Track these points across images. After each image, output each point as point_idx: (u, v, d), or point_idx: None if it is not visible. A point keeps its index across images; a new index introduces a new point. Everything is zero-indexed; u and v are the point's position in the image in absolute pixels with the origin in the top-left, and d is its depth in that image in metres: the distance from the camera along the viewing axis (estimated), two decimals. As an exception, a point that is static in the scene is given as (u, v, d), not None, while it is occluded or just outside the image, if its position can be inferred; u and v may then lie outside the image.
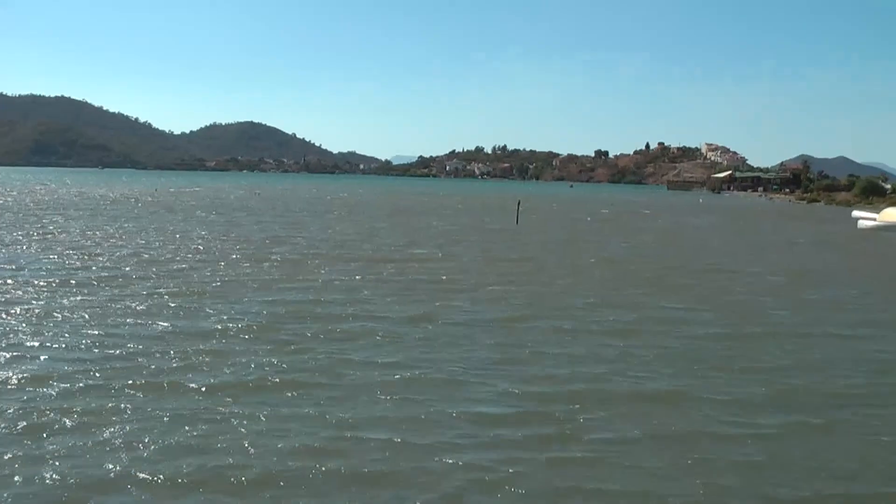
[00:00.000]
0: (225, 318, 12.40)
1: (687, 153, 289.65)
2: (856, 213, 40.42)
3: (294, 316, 12.72)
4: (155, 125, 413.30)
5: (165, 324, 11.84)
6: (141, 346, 10.43)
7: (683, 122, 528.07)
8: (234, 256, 21.06)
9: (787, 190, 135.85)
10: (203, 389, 8.74)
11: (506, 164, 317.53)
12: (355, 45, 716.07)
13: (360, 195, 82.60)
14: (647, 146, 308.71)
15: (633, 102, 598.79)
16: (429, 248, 25.43)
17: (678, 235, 32.69)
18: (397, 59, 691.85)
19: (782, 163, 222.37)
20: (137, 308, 13.09)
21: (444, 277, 17.99)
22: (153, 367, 9.53)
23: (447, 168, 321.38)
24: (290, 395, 8.69)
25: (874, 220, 38.62)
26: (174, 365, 9.67)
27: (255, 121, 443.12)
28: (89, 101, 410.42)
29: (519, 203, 41.87)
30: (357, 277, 17.92)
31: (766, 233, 37.47)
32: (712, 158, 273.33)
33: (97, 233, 27.21)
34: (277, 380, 9.19)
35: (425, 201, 71.05)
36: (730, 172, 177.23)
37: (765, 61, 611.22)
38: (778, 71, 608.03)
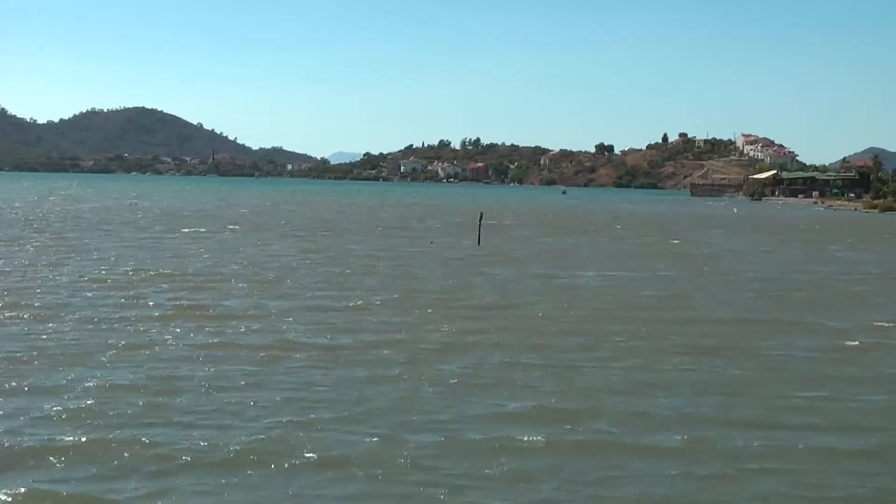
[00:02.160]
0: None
1: (717, 147, 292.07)
2: None
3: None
4: (11, 111, 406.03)
5: None
6: None
7: (712, 106, 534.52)
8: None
9: (852, 195, 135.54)
10: None
11: (479, 164, 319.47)
12: (284, 8, 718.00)
13: (276, 205, 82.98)
14: (665, 138, 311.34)
15: (646, 80, 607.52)
16: (336, 288, 23.46)
17: (725, 276, 29.98)
18: (338, 26, 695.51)
19: (845, 158, 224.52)
20: None
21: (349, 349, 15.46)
22: None
23: (402, 168, 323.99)
24: None
25: None
26: None
27: (148, 107, 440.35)
28: None
29: (481, 216, 41.43)
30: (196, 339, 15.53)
31: (842, 265, 35.07)
32: (751, 154, 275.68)
33: None
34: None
35: (362, 213, 71.01)
36: (774, 172, 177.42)
37: (819, 27, 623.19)
38: (836, 40, 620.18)
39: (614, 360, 14.98)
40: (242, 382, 12.72)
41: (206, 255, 31.17)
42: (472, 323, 18.20)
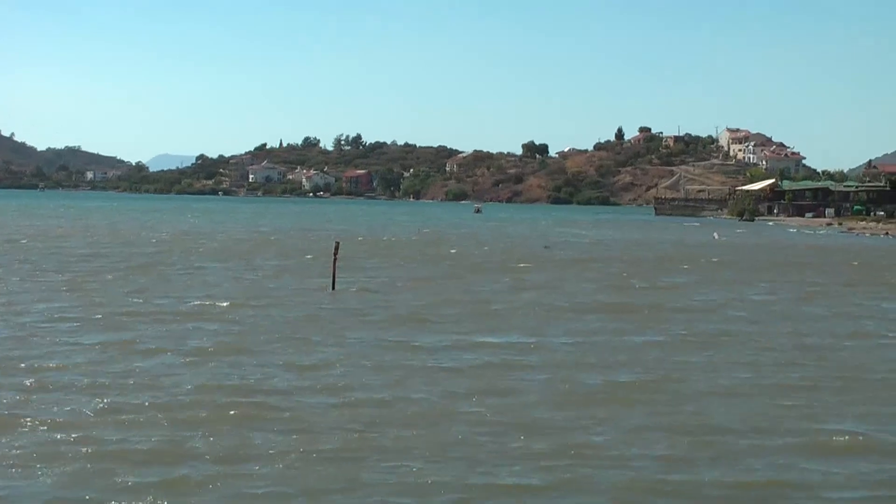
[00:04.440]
0: None
1: (693, 147, 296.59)
2: None
3: None
4: None
5: None
6: None
7: (686, 91, 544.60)
8: None
9: (881, 212, 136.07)
10: None
11: (360, 171, 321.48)
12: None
13: (40, 233, 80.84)
14: (620, 135, 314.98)
15: (594, 55, 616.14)
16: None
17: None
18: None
19: (870, 162, 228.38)
20: None
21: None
22: None
23: (251, 177, 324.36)
24: None
25: None
26: None
27: None
28: None
29: (337, 247, 41.22)
30: None
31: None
32: (739, 156, 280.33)
33: None
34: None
35: (172, 242, 69.98)
36: (772, 182, 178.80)
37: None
38: (854, 10, 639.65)
39: None
40: None
41: None
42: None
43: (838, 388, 21.66)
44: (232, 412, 18.04)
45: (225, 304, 32.90)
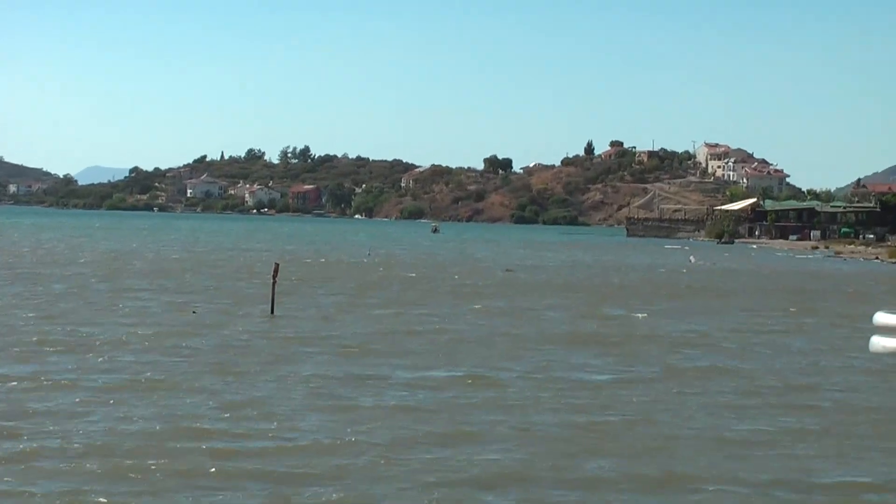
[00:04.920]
0: None
1: (668, 163, 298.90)
2: (881, 318, 39.37)
3: None
4: None
5: None
6: None
7: (662, 105, 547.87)
8: None
9: (870, 235, 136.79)
10: None
11: (308, 186, 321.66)
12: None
13: None
14: (590, 149, 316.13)
15: (562, 65, 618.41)
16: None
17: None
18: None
19: (859, 181, 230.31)
20: None
21: None
22: None
23: (189, 192, 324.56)
24: None
25: None
26: None
27: None
28: None
29: (276, 269, 41.17)
30: None
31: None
32: (718, 173, 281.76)
33: None
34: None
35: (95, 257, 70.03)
36: (753, 201, 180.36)
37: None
38: (844, 17, 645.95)
39: None
40: None
41: None
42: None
43: (820, 434, 21.26)
44: (151, 462, 17.41)
45: (149, 331, 32.51)
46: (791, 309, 49.32)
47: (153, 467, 16.98)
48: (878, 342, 37.19)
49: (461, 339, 34.70)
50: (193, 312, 39.39)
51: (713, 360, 31.54)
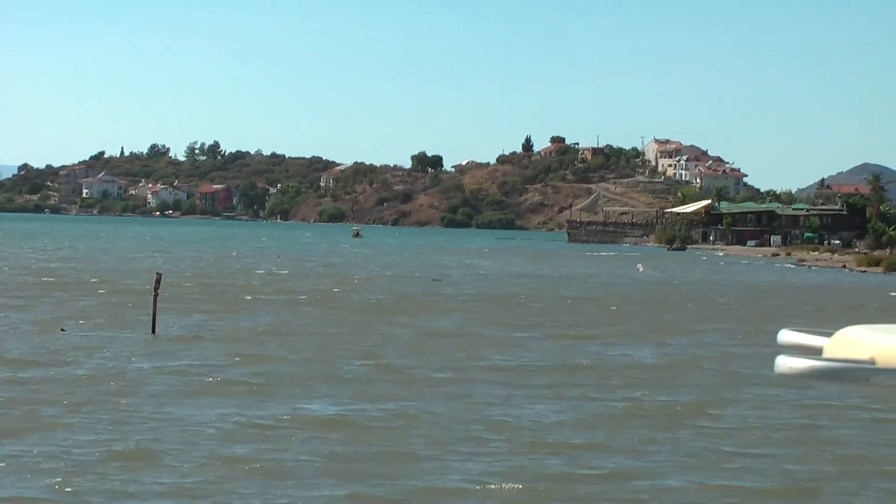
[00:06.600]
0: None
1: (615, 161, 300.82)
2: (786, 336, 38.45)
3: None
4: None
5: None
6: None
7: (606, 96, 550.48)
8: None
9: (836, 241, 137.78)
10: None
11: (217, 186, 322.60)
12: None
13: None
14: (528, 145, 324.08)
15: (497, 52, 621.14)
16: None
17: None
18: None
19: (823, 181, 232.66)
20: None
21: None
22: None
23: (84, 191, 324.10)
24: None
25: (819, 349, 35.75)
26: None
27: None
28: None
29: (158, 280, 40.85)
30: None
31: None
32: (669, 172, 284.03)
33: None
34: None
35: None
36: (708, 203, 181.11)
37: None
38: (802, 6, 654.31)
39: None
40: None
41: None
42: None
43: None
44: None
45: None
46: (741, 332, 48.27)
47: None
48: (784, 363, 36.31)
49: (364, 369, 33.59)
50: (62, 330, 38.97)
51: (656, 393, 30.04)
